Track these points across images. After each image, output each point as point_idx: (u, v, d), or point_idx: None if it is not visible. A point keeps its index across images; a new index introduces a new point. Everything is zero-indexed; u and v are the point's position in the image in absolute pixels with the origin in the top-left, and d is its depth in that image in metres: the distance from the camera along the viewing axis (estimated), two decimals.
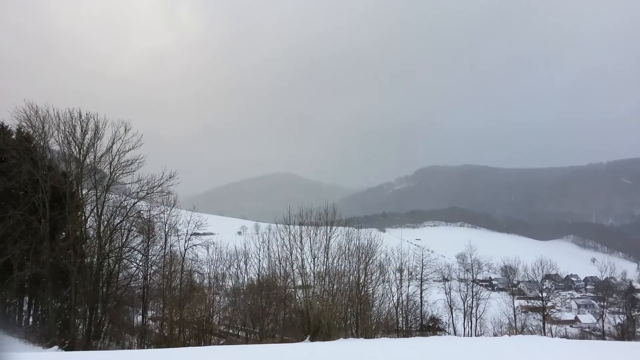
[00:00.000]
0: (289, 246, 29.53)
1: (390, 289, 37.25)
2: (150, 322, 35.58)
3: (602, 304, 52.08)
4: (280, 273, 31.74)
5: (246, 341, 28.16)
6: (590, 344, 26.14)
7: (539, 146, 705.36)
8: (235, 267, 41.91)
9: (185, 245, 35.38)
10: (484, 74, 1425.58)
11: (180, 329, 29.77)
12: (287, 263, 29.97)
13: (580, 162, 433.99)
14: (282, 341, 26.05)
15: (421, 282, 42.56)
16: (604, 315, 49.50)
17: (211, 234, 47.22)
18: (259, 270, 37.14)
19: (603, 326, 48.37)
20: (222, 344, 29.68)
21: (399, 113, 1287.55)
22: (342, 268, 29.64)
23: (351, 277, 30.10)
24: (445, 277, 52.40)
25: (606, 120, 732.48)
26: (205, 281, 40.01)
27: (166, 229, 34.86)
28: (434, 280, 48.26)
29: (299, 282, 29.81)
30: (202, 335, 29.61)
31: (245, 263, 40.94)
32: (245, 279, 40.47)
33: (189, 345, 27.63)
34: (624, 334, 43.61)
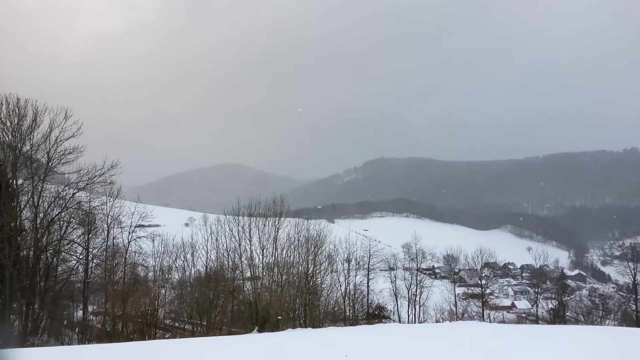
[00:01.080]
0: (237, 238, 29.37)
1: (338, 279, 37.90)
2: (92, 317, 34.31)
3: (537, 290, 55.00)
4: (228, 265, 31.51)
5: (192, 334, 27.82)
6: (517, 328, 27.81)
7: (482, 140, 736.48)
8: (182, 259, 41.14)
9: (129, 238, 34.32)
10: (436, 70, 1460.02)
11: (123, 323, 28.95)
12: (236, 255, 29.80)
13: (519, 156, 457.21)
14: (230, 333, 25.94)
15: (368, 271, 43.63)
16: (538, 301, 52.45)
17: (157, 225, 46.04)
18: (206, 262, 36.65)
19: (537, 311, 51.27)
20: (167, 338, 29.16)
21: (352, 105, 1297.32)
22: (291, 259, 29.86)
23: (300, 268, 30.39)
24: (391, 266, 54.02)
25: (545, 117, 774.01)
26: (151, 274, 39.03)
27: (108, 221, 33.63)
28: (381, 270, 49.61)
29: (248, 274, 29.75)
30: (147, 330, 28.93)
31: (193, 255, 40.25)
32: (193, 272, 39.84)
33: (132, 339, 26.95)
34: (555, 317, 46.53)
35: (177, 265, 41.43)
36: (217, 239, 32.11)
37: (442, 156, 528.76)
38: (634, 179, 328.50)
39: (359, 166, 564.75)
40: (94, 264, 33.47)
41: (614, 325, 41.83)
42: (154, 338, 28.00)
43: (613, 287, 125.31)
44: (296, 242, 30.34)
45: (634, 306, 42.80)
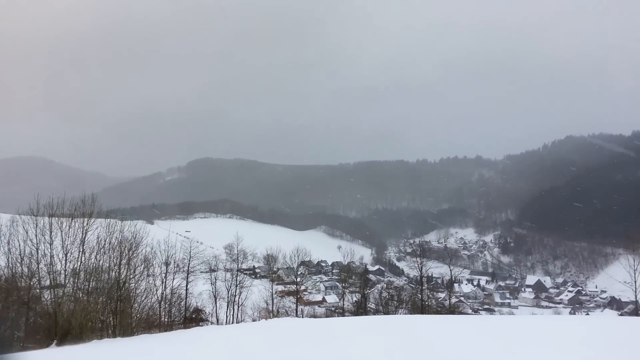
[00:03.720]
0: (35, 241, 25.91)
1: (155, 284, 36.22)
2: None
3: (344, 285, 60.33)
4: (23, 272, 27.51)
5: None
6: (325, 321, 30.56)
7: (304, 145, 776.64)
8: None
9: None
10: (264, 74, 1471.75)
11: None
12: (33, 260, 26.24)
13: (333, 162, 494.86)
14: (23, 349, 22.71)
15: (187, 274, 42.57)
16: (344, 295, 57.61)
17: None
18: None
19: (343, 304, 56.38)
20: None
21: (179, 103, 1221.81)
22: (101, 263, 27.55)
23: (112, 273, 28.23)
24: (212, 268, 53.60)
25: (360, 127, 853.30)
26: None
27: None
28: (201, 272, 48.87)
29: (48, 282, 26.44)
30: None
31: None
32: None
33: None
34: (359, 309, 51.93)
35: None
36: (9, 242, 27.81)
37: (266, 159, 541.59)
38: (424, 185, 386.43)
39: (182, 165, 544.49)
40: None
41: (404, 313, 48.50)
42: None
43: (405, 280, 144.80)
44: (108, 244, 28.11)
45: (420, 296, 50.31)
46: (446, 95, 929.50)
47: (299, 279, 54.01)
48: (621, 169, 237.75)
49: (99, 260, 27.20)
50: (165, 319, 36.91)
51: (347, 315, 49.72)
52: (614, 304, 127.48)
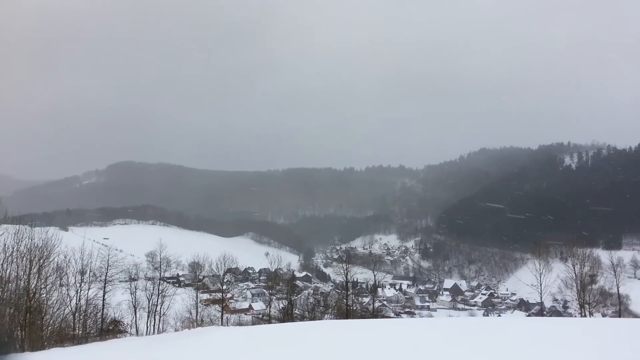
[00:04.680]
0: None
1: (69, 294, 34.05)
2: None
3: (271, 291, 60.20)
4: None
5: None
6: (250, 329, 30.49)
7: (236, 151, 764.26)
8: None
9: None
10: (208, 77, 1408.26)
11: None
12: None
13: (262, 168, 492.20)
14: None
15: (105, 283, 40.40)
16: (271, 302, 57.47)
17: None
18: None
19: (270, 311, 56.20)
20: None
21: (105, 104, 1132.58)
22: (8, 273, 25.57)
23: (20, 282, 26.28)
24: (132, 276, 51.27)
25: (290, 135, 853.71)
26: None
27: None
28: (120, 281, 46.59)
29: None
30: None
31: None
32: None
33: None
34: (285, 316, 52.01)
35: None
36: None
37: (193, 164, 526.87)
38: (351, 193, 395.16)
39: (102, 169, 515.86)
40: None
41: (330, 318, 49.33)
42: None
43: (332, 286, 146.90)
44: (16, 253, 26.15)
45: (346, 301, 51.40)
46: (375, 107, 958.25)
47: (225, 287, 53.10)
48: (529, 179, 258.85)
49: (6, 270, 25.23)
50: (80, 332, 34.78)
51: (274, 322, 49.66)
52: (523, 305, 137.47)
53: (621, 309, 50.33)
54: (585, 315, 43.83)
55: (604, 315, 51.46)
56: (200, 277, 73.76)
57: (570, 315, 72.14)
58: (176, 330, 41.35)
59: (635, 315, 74.41)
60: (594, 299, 45.20)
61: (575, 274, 44.34)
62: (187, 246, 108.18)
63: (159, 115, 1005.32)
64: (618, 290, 45.88)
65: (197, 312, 48.25)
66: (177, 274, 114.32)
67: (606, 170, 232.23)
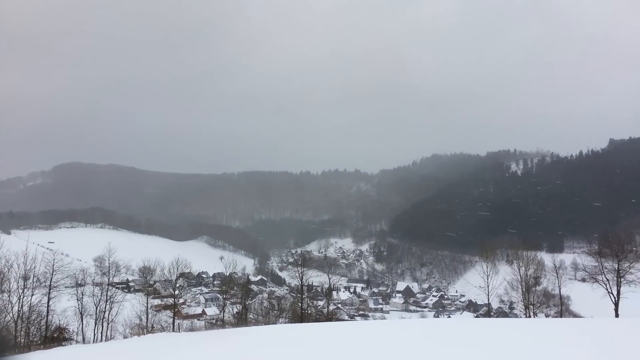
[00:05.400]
0: None
1: (10, 300, 32.47)
2: None
3: (225, 296, 59.56)
4: None
5: None
6: (203, 334, 30.20)
7: (190, 153, 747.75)
8: None
9: None
10: (163, 79, 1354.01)
11: None
12: None
13: (217, 171, 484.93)
14: None
15: (49, 289, 38.75)
16: (225, 307, 56.84)
17: None
18: None
19: (223, 316, 55.62)
20: None
21: (56, 103, 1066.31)
22: None
23: None
24: (79, 282, 49.36)
25: (246, 138, 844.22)
26: None
27: None
28: (66, 287, 44.79)
29: None
30: None
31: None
32: None
33: None
34: (239, 320, 51.59)
35: None
36: None
37: (146, 166, 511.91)
38: (307, 196, 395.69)
39: (47, 170, 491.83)
40: None
41: (285, 322, 49.30)
42: None
43: (287, 289, 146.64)
44: None
45: (301, 304, 51.60)
46: (331, 112, 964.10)
47: (177, 292, 52.06)
48: (478, 184, 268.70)
49: None
50: (22, 340, 33.19)
51: (227, 327, 49.16)
52: (471, 306, 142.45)
53: (562, 310, 53.11)
54: (529, 316, 46.01)
55: (547, 316, 54.05)
56: (151, 282, 71.85)
57: (516, 315, 75.34)
58: (125, 337, 40.20)
59: (575, 315, 78.81)
60: (538, 300, 47.58)
61: (520, 276, 46.57)
62: (138, 250, 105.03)
63: (110, 115, 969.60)
64: (560, 292, 48.38)
65: (147, 318, 47.08)
66: (127, 279, 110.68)
67: (550, 177, 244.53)
